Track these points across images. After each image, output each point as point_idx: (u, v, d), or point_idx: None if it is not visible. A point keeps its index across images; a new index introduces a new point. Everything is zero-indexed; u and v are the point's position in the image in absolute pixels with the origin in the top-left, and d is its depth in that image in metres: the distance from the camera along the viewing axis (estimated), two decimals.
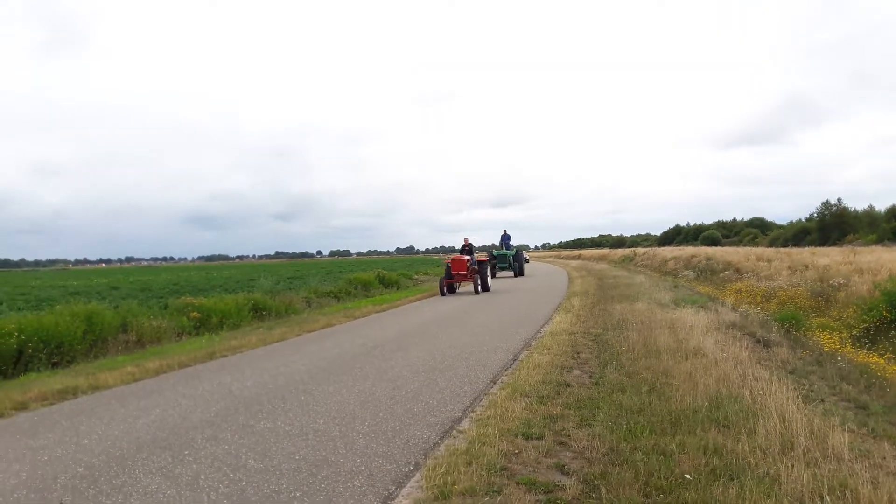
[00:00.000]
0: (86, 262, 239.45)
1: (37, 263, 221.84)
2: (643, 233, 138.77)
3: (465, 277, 24.80)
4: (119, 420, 6.84)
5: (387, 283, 30.93)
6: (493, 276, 33.58)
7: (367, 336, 12.95)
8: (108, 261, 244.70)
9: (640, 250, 62.19)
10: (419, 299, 22.74)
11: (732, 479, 4.41)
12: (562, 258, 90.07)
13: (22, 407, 7.62)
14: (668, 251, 49.12)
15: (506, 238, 38.56)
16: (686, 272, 31.79)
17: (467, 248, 27.46)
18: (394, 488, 4.61)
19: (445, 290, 24.31)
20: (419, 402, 7.15)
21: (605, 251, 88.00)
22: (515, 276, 36.61)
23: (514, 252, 38.12)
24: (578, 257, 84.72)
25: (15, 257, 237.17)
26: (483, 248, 38.75)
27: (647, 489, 4.37)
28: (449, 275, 24.82)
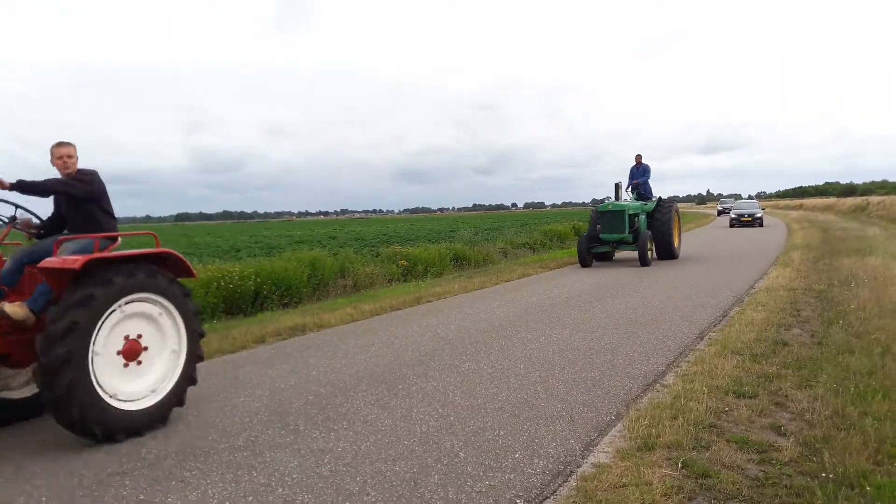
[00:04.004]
0: (307, 214, 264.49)
1: (266, 215, 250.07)
2: (878, 179, 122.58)
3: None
4: (341, 355, 7.57)
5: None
6: (599, 258, 17.69)
7: (563, 286, 12.95)
8: (326, 213, 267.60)
9: (875, 199, 55.01)
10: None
11: None
12: (780, 208, 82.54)
13: (260, 340, 8.69)
14: None
15: (639, 174, 17.92)
16: None
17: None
18: (595, 436, 4.64)
19: None
20: (619, 353, 7.05)
21: (832, 200, 79.22)
22: (644, 262, 15.78)
23: (650, 206, 17.49)
24: (800, 207, 77.26)
25: (249, 210, 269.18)
26: (594, 203, 19.07)
27: (879, 457, 3.96)
28: None
